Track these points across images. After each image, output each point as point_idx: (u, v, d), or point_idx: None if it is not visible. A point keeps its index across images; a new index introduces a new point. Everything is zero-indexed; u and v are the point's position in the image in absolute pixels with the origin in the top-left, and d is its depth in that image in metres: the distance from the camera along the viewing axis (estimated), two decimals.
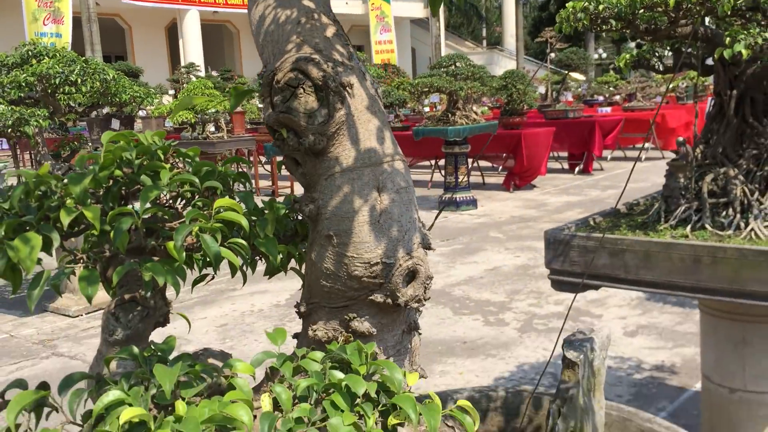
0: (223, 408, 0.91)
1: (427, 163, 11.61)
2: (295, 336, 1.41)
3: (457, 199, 8.67)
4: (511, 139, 9.48)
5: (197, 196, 1.26)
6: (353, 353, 1.06)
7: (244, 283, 1.41)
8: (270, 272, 1.35)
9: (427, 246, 1.26)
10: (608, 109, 12.10)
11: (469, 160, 9.70)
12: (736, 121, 2.72)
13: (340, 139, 1.21)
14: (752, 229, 2.50)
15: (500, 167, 10.77)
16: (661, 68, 2.95)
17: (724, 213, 2.61)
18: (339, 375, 1.01)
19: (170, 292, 1.33)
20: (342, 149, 1.21)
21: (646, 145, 11.55)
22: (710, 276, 2.37)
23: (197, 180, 1.21)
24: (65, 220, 1.11)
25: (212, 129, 9.65)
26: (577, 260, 2.71)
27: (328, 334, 1.26)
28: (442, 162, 9.39)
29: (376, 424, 0.94)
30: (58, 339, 4.91)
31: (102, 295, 4.13)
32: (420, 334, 1.34)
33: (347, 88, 1.20)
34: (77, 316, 5.36)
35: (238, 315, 5.60)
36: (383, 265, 1.20)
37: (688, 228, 2.58)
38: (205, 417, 0.86)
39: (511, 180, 9.85)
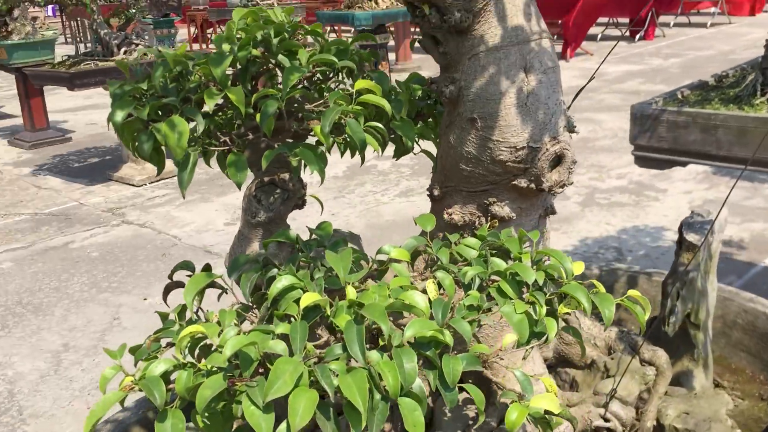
0: (396, 294, 0.91)
1: None
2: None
3: None
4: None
5: (332, 77, 1.22)
6: (510, 241, 1.05)
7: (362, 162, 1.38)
8: (400, 154, 1.32)
9: (571, 129, 1.21)
10: None
11: None
12: None
13: (486, 16, 1.14)
14: None
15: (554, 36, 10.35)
16: None
17: None
18: (500, 263, 1.00)
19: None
20: (488, 27, 1.14)
21: (713, 9, 10.92)
22: None
23: (336, 60, 1.16)
24: (210, 102, 1.09)
25: None
26: (665, 136, 2.63)
27: (465, 218, 1.25)
28: None
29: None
30: (125, 207, 5.04)
31: (167, 164, 4.07)
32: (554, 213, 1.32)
33: None
34: (141, 185, 5.46)
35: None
36: (529, 149, 1.16)
37: None
38: (385, 303, 0.86)
39: (566, 49, 9.46)
